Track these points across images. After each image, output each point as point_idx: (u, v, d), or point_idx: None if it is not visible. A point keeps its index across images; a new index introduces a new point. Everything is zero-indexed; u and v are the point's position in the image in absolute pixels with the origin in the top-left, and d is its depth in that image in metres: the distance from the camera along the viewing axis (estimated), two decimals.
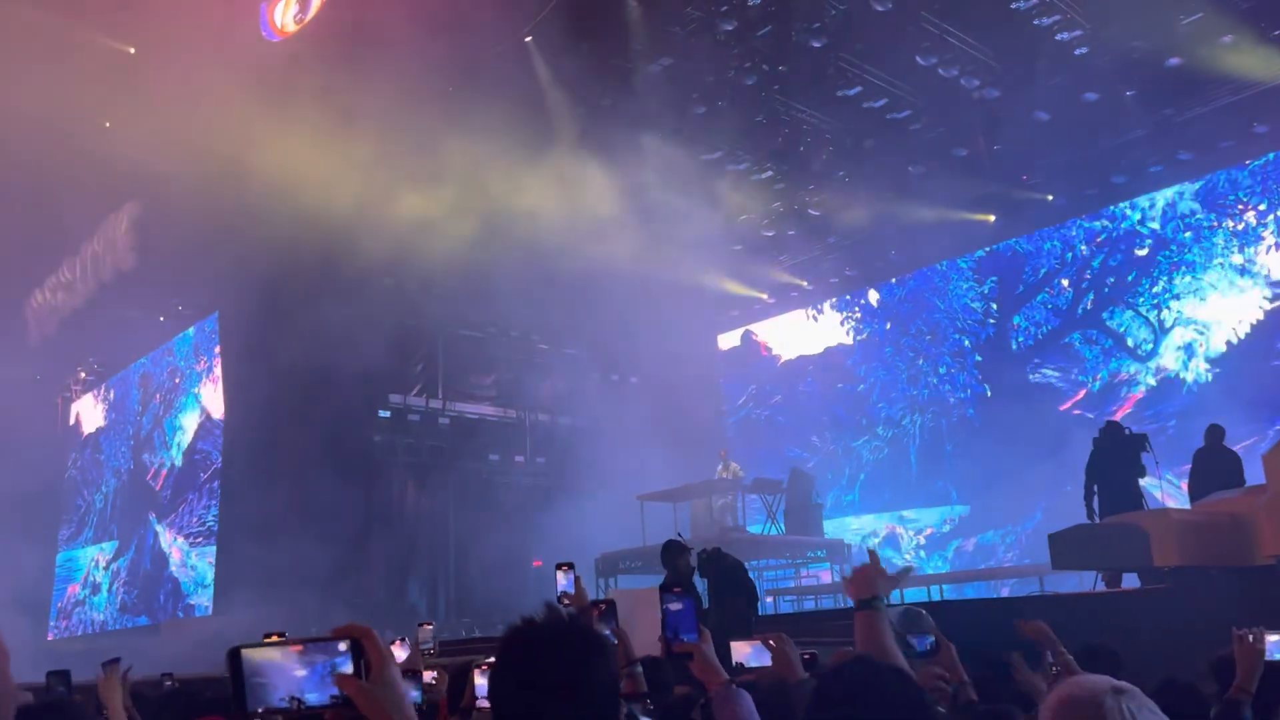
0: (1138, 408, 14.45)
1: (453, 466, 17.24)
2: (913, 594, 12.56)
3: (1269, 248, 13.69)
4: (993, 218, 16.03)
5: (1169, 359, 14.43)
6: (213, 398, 18.68)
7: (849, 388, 18.30)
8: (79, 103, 14.02)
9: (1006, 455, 14.89)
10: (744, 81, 13.66)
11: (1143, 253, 14.95)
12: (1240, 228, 14.01)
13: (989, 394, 16.40)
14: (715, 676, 2.34)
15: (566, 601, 3.18)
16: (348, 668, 1.28)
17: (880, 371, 17.92)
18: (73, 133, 14.20)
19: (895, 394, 17.58)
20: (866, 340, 18.33)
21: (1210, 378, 13.96)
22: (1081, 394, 15.15)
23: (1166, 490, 11.07)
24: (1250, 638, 3.24)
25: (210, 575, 17.36)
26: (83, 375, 23.88)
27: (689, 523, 13.59)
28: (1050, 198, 15.38)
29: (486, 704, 2.63)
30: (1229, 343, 13.86)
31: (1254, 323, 13.68)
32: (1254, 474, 9.05)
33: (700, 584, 8.26)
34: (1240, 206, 14.04)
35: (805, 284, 18.84)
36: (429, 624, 5.41)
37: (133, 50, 15.48)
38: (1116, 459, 9.57)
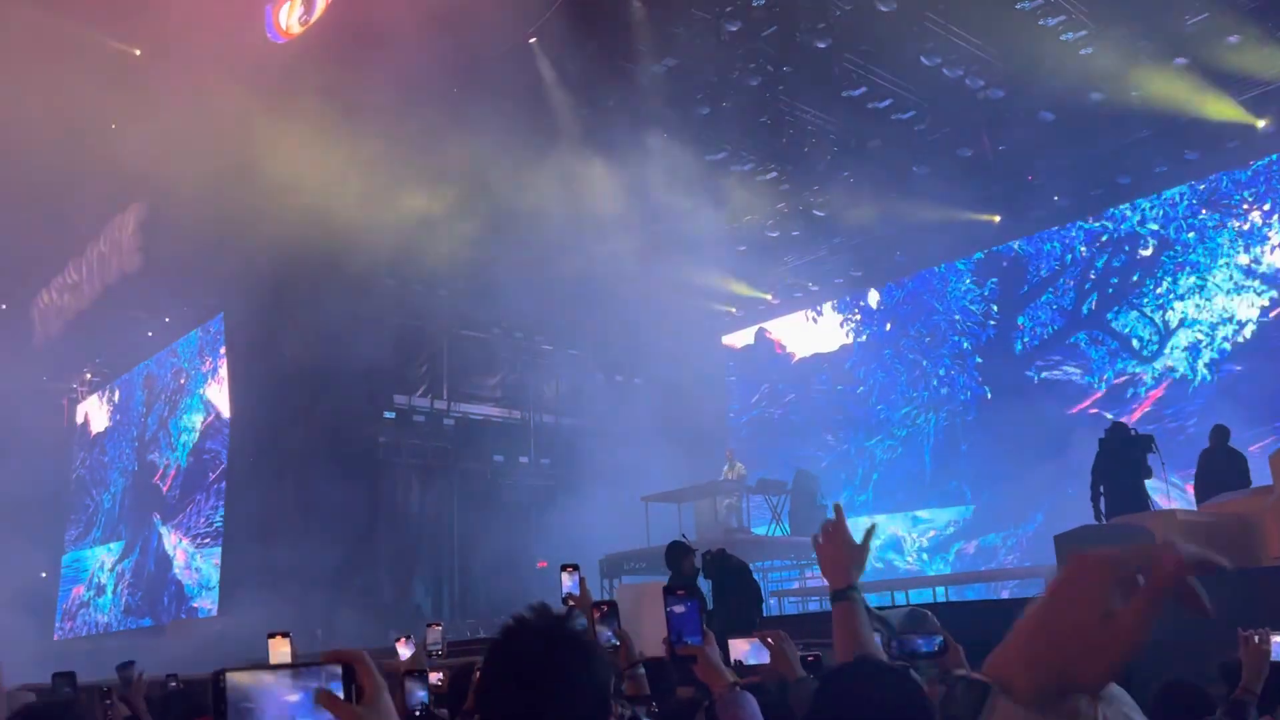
0: (1157, 406, 14.34)
1: (457, 467, 17.26)
2: (917, 595, 12.55)
3: (1273, 248, 13.65)
4: (998, 218, 16.02)
5: (1180, 359, 14.37)
6: (219, 398, 18.72)
7: (849, 389, 18.28)
8: (85, 104, 14.06)
9: (1007, 457, 14.85)
10: (748, 82, 13.64)
11: (1146, 253, 14.92)
12: (1245, 228, 13.98)
13: (989, 396, 16.37)
14: (719, 679, 2.31)
15: (571, 603, 3.17)
16: (338, 694, 1.23)
17: (879, 374, 17.89)
18: (79, 134, 14.24)
19: (895, 396, 17.55)
20: (866, 342, 18.30)
21: (1216, 378, 13.91)
22: (1101, 393, 15.01)
23: (1170, 494, 11.04)
24: (1256, 639, 3.23)
25: (215, 577, 17.39)
26: (88, 376, 23.95)
27: (693, 524, 13.59)
28: (1056, 198, 15.37)
29: None
30: (1239, 342, 13.81)
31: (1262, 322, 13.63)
32: (1260, 475, 9.03)
33: (705, 585, 8.25)
34: (1245, 206, 14.00)
35: (811, 285, 18.83)
36: (438, 625, 5.41)
37: (138, 52, 15.52)
38: (1123, 460, 9.55)
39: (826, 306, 18.94)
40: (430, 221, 13.48)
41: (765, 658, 2.87)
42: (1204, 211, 14.36)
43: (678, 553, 8.16)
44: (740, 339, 20.39)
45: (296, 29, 14.35)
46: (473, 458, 17.48)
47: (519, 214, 14.37)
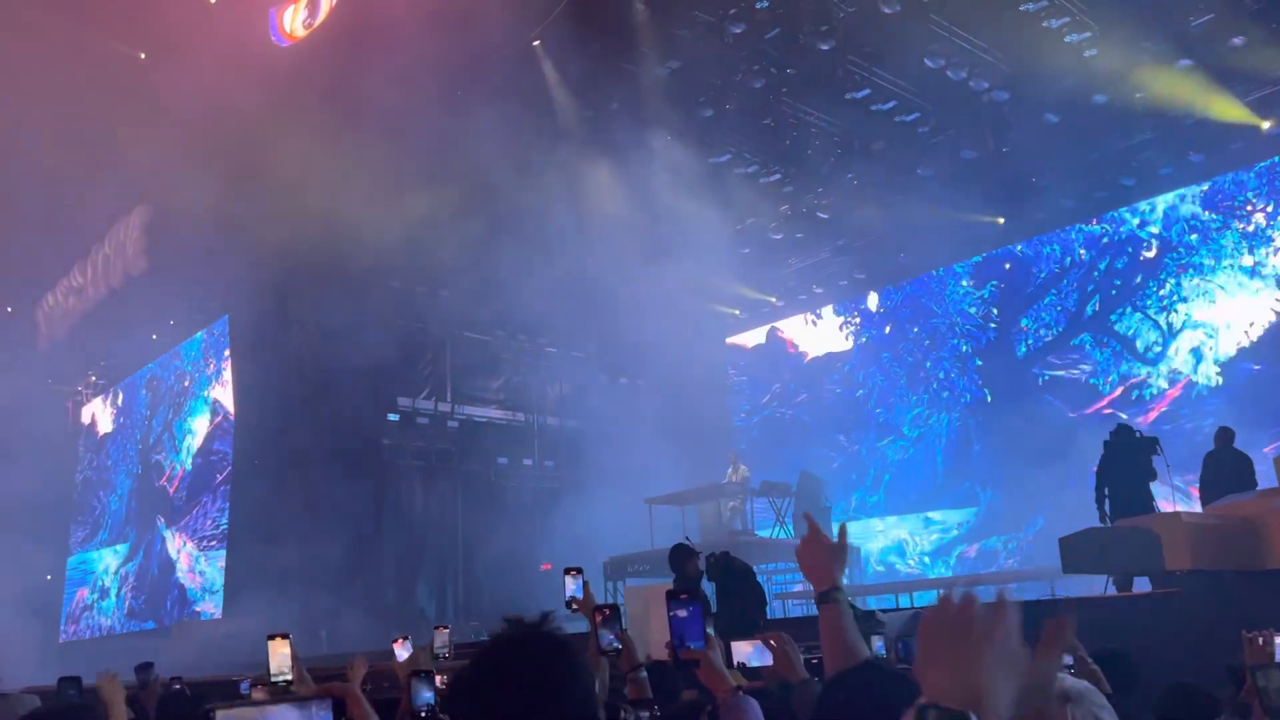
0: (1173, 406, 14.27)
1: (461, 470, 17.27)
2: (922, 598, 12.54)
3: (1277, 250, 13.62)
4: (1002, 220, 16.00)
5: (1186, 362, 14.33)
6: (224, 400, 18.74)
7: (848, 392, 18.25)
8: (90, 108, 14.11)
9: (1009, 460, 14.82)
10: (752, 84, 13.64)
11: (1150, 254, 14.89)
12: (1250, 229, 13.94)
13: (989, 399, 16.33)
14: (723, 684, 2.31)
15: (575, 607, 3.16)
16: None
17: (878, 377, 17.86)
18: (84, 137, 14.28)
19: (893, 399, 17.51)
20: (866, 344, 18.27)
21: (1223, 380, 13.87)
22: (1111, 395, 14.96)
23: (1174, 497, 11.00)
24: (1260, 641, 3.22)
25: (219, 580, 17.39)
26: (93, 379, 23.98)
27: (697, 526, 13.57)
28: (1061, 199, 15.34)
29: None
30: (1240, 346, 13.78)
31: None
32: (1265, 477, 9.01)
33: (709, 588, 8.24)
34: (1249, 208, 13.97)
35: (815, 287, 18.82)
36: (445, 628, 5.39)
37: (143, 56, 15.56)
38: (1128, 461, 9.52)
39: (826, 310, 18.91)
40: (434, 224, 13.49)
41: (768, 660, 2.86)
42: (1208, 213, 14.33)
43: (681, 555, 8.15)
44: (751, 338, 20.33)
45: (301, 32, 14.38)
46: (476, 460, 17.49)
47: (523, 216, 14.38)
